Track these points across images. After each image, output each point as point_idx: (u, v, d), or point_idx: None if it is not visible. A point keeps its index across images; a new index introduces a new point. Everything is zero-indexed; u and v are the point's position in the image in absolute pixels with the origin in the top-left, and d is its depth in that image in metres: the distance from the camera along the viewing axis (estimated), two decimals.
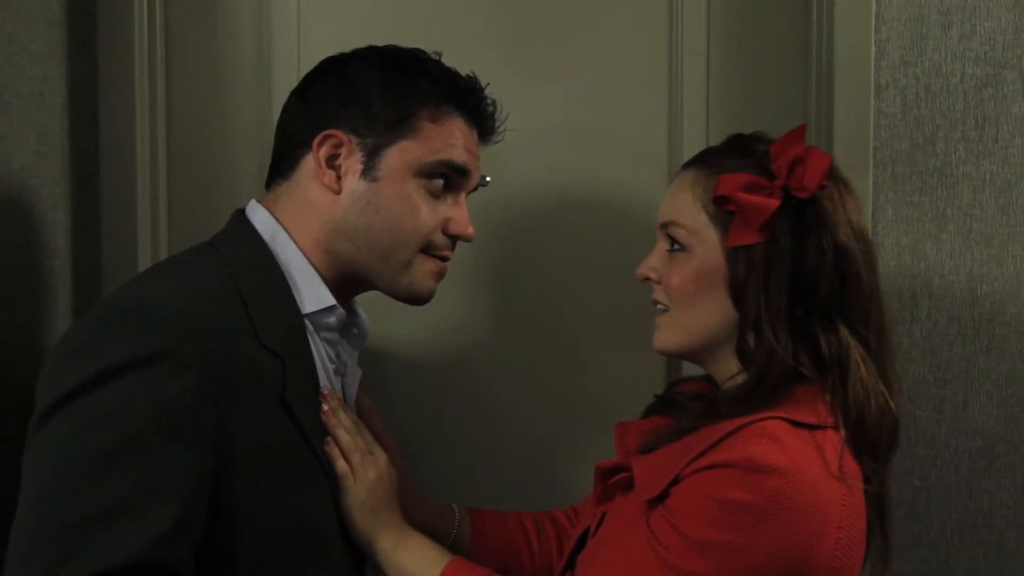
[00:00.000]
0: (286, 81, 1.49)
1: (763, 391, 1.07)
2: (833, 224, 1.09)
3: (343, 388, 1.25)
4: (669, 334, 1.17)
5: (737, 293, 1.10)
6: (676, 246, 1.16)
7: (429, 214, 1.18)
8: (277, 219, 1.17)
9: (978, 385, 1.58)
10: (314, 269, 1.15)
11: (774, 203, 1.08)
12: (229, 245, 1.15)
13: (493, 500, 1.61)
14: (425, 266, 1.19)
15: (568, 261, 1.68)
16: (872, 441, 1.08)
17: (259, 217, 1.17)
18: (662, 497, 1.06)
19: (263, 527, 1.04)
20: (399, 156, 1.15)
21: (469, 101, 1.21)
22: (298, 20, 1.62)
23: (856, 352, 1.08)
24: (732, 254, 1.10)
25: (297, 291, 1.14)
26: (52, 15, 1.44)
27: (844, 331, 1.09)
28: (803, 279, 1.09)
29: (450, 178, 1.19)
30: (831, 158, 1.11)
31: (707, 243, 1.13)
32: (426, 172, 1.17)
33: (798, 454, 1.02)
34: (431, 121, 1.17)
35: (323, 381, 1.16)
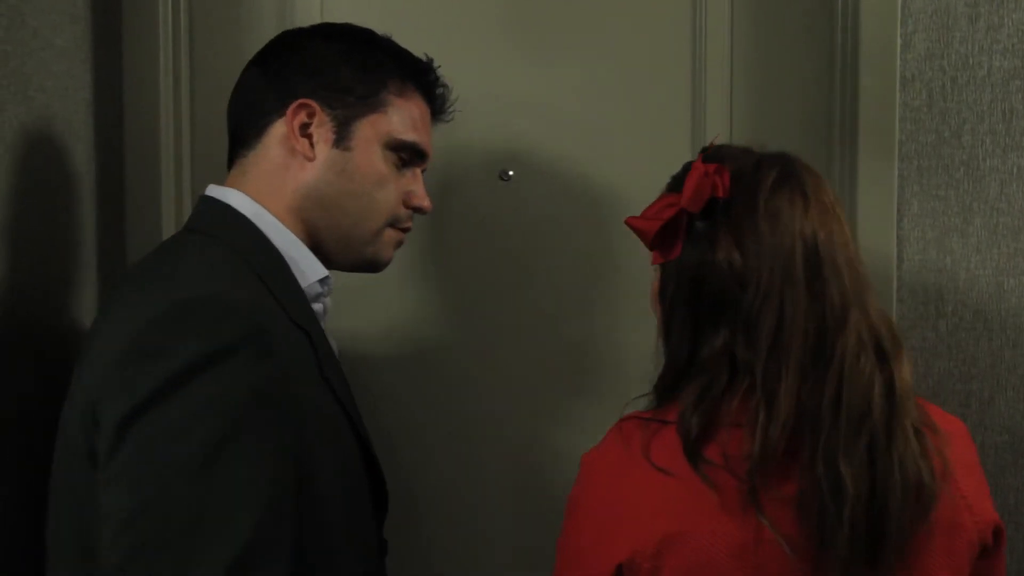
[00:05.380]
0: None
1: (660, 390, 1.14)
2: (717, 240, 1.11)
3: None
4: None
5: (659, 304, 1.17)
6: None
7: (395, 186, 1.23)
8: (251, 197, 1.17)
9: (1004, 380, 1.57)
10: (301, 242, 1.17)
11: (653, 225, 1.13)
12: (223, 231, 1.14)
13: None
14: (390, 236, 1.25)
15: (587, 256, 1.67)
16: (810, 428, 1.06)
17: (237, 200, 1.16)
18: None
19: (327, 500, 1.06)
20: (370, 128, 1.20)
21: (426, 80, 1.27)
22: (321, 14, 1.62)
23: (752, 361, 1.08)
24: (657, 270, 1.17)
25: (294, 265, 1.16)
26: (77, 11, 1.44)
27: (726, 336, 1.09)
28: (697, 291, 1.11)
29: (410, 156, 1.25)
30: (702, 171, 1.11)
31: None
32: (393, 146, 1.22)
33: (605, 445, 1.13)
34: (397, 96, 1.23)
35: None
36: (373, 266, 1.25)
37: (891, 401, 1.06)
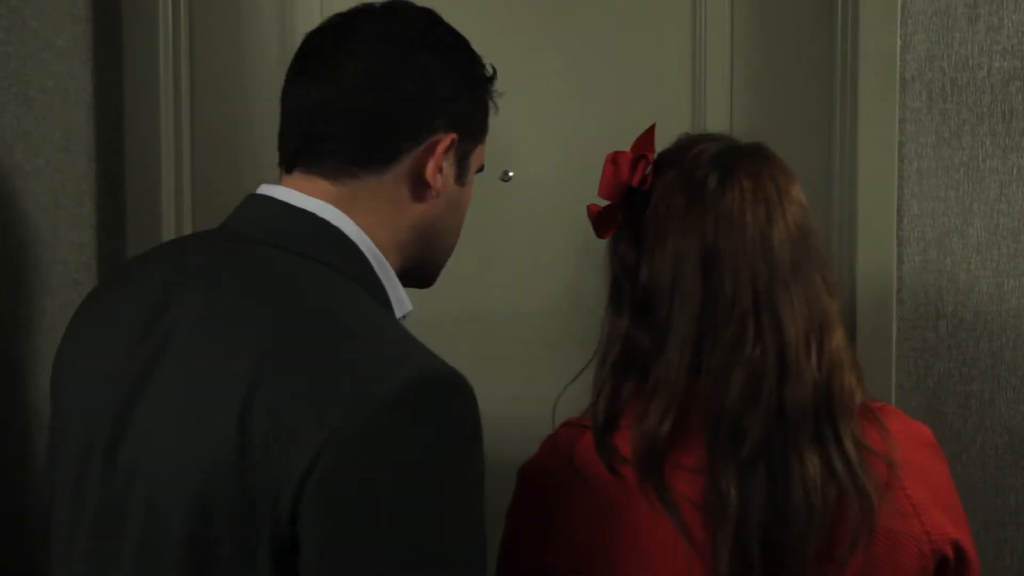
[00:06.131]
0: None
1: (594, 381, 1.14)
2: (620, 230, 1.14)
3: None
4: None
5: None
6: None
7: None
8: (356, 223, 1.01)
9: (1005, 381, 1.56)
10: (393, 274, 1.05)
11: (592, 212, 1.16)
12: (345, 264, 0.99)
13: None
14: None
15: (589, 257, 1.67)
16: (709, 428, 1.04)
17: (347, 226, 1.00)
18: None
19: None
20: (476, 160, 1.10)
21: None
22: (321, 13, 1.62)
23: (639, 342, 1.09)
24: None
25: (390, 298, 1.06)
26: (77, 11, 1.45)
27: (627, 322, 1.10)
28: (612, 278, 1.14)
29: None
30: (608, 161, 1.13)
31: None
32: (478, 173, 1.13)
33: (536, 455, 1.16)
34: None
35: None
36: (425, 287, 1.17)
37: (783, 416, 1.01)
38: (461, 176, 1.08)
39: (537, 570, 1.09)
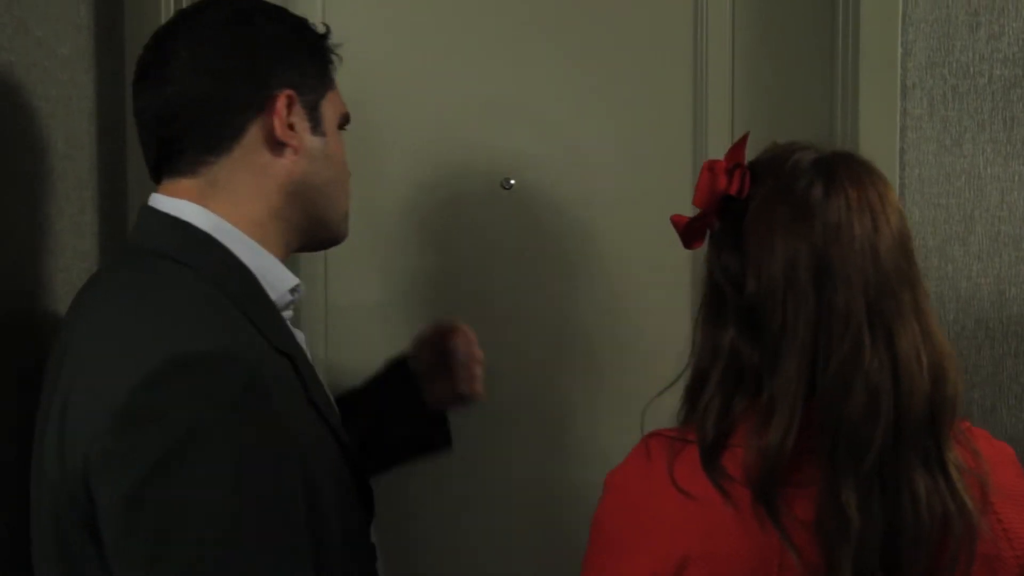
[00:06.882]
0: None
1: (688, 394, 1.09)
2: (720, 240, 1.09)
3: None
4: None
5: None
6: None
7: None
8: (213, 210, 1.07)
9: (1006, 389, 1.56)
10: (267, 251, 1.10)
11: (680, 222, 1.11)
12: (193, 256, 1.05)
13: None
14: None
15: (590, 263, 1.67)
16: (819, 448, 1.01)
17: (198, 217, 1.07)
18: None
19: (328, 517, 1.04)
20: (330, 108, 1.16)
21: (329, 48, 1.21)
22: (323, 17, 1.62)
23: (747, 356, 1.05)
24: None
25: (263, 280, 1.08)
26: (80, 20, 1.45)
27: (733, 335, 1.06)
28: (711, 289, 1.10)
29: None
30: (705, 169, 1.09)
31: None
32: (343, 123, 1.19)
33: (628, 464, 1.09)
34: (334, 70, 1.19)
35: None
36: (338, 242, 1.21)
37: (899, 428, 0.99)
38: (316, 127, 1.13)
39: None
